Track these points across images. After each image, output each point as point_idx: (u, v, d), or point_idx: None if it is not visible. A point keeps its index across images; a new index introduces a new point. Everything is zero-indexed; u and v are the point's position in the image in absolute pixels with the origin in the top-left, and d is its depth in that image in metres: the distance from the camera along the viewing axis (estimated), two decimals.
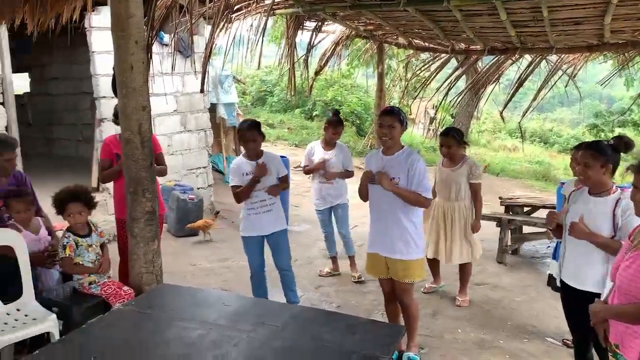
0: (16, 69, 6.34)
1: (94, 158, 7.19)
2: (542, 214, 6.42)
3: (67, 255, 3.48)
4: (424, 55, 7.78)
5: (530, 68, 6.76)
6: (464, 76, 7.92)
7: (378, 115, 3.76)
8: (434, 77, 7.75)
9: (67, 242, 3.49)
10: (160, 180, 4.27)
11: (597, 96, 30.03)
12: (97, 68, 6.56)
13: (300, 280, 4.55)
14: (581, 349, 3.26)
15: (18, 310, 3.32)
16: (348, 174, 5.31)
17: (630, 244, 2.41)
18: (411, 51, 7.63)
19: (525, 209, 6.58)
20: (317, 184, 5.36)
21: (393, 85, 10.79)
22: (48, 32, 4.33)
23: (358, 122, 17.32)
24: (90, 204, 3.63)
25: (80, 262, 3.52)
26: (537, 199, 6.91)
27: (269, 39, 11.82)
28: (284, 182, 4.29)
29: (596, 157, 2.93)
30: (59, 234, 3.88)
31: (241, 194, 4.13)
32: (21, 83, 10.69)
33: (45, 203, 3.86)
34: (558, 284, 3.33)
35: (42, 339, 3.21)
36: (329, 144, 5.31)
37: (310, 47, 6.22)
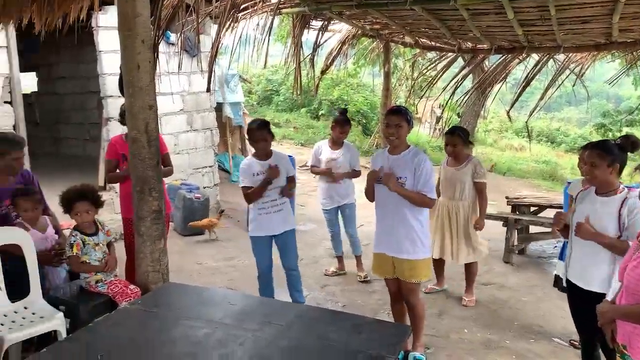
0: (24, 68, 6.37)
1: (101, 157, 7.21)
2: (549, 213, 6.39)
3: (74, 254, 3.49)
4: (431, 55, 7.77)
5: (538, 67, 6.73)
6: (470, 75, 7.89)
7: (385, 115, 3.75)
8: (441, 76, 7.73)
9: (74, 241, 3.50)
10: (166, 179, 4.28)
11: (605, 95, 29.86)
12: (104, 67, 6.59)
13: (306, 280, 4.55)
14: (588, 350, 3.25)
15: (25, 308, 3.33)
16: (355, 173, 5.30)
17: (638, 244, 2.40)
18: (418, 50, 7.62)
19: (532, 208, 6.56)
20: (324, 183, 5.35)
21: (399, 85, 10.78)
22: (55, 32, 4.35)
23: (364, 121, 17.31)
24: (97, 203, 3.64)
25: (87, 261, 3.53)
26: (544, 199, 6.88)
27: (275, 38, 11.81)
28: (291, 182, 4.29)
29: (603, 156, 2.91)
30: (66, 232, 3.89)
31: (252, 195, 4.13)
32: (29, 82, 10.75)
33: (53, 202, 3.87)
34: (564, 284, 3.31)
35: (49, 337, 3.23)
36: (336, 143, 5.30)
37: (316, 46, 6.22)
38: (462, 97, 7.71)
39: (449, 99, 7.61)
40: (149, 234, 3.33)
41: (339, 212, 5.43)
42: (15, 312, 3.29)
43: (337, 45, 6.85)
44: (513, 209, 6.55)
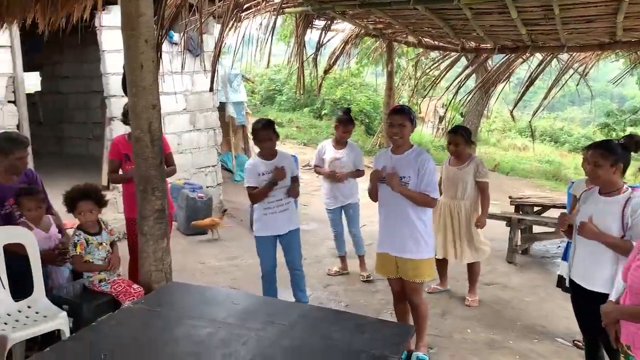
0: (27, 67, 6.39)
1: (104, 156, 7.22)
2: (553, 213, 6.39)
3: (78, 253, 3.50)
4: (434, 54, 7.74)
5: (541, 67, 6.70)
6: (473, 75, 7.87)
7: (388, 114, 3.75)
8: (444, 75, 7.71)
9: (77, 240, 3.51)
10: (169, 178, 4.28)
11: (609, 95, 29.80)
12: (108, 67, 6.60)
13: (308, 279, 4.55)
14: (592, 350, 3.24)
15: (29, 307, 3.35)
16: (359, 173, 5.30)
17: None
18: (421, 50, 7.59)
19: (536, 208, 6.55)
20: (328, 182, 5.35)
21: (402, 84, 10.75)
22: (59, 31, 4.36)
23: (367, 121, 17.30)
24: (101, 202, 3.65)
25: (91, 260, 3.54)
26: (548, 199, 6.87)
27: (278, 37, 11.81)
28: (295, 181, 4.29)
29: (606, 156, 2.91)
30: (70, 231, 3.90)
31: (258, 195, 4.12)
32: (32, 82, 10.78)
33: (56, 201, 3.88)
34: (567, 284, 3.31)
35: (52, 336, 3.23)
36: (339, 143, 5.30)
37: (319, 45, 6.21)
38: (465, 97, 7.70)
39: (452, 98, 7.59)
40: (152, 233, 3.33)
41: (343, 212, 5.43)
42: (19, 311, 3.30)
43: (340, 45, 6.84)
44: (516, 208, 6.54)
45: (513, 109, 7.70)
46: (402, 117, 3.51)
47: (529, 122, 9.46)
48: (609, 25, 4.86)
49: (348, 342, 2.38)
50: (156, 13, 3.51)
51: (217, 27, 6.25)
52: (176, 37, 6.82)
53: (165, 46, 5.63)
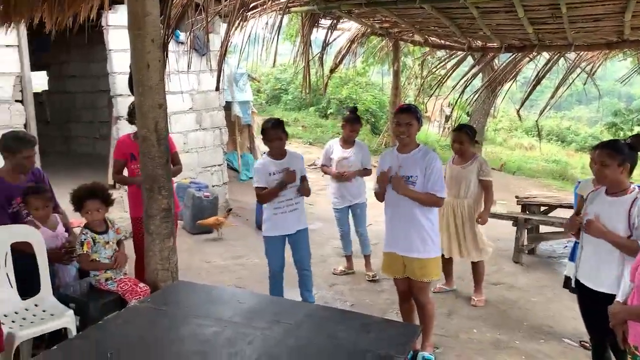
0: (35, 67, 6.41)
1: (111, 155, 7.25)
2: (560, 213, 6.36)
3: (85, 252, 3.51)
4: (440, 53, 7.73)
5: (548, 66, 6.68)
6: (480, 74, 7.85)
7: (394, 113, 3.74)
8: (450, 74, 7.69)
9: (84, 239, 3.52)
10: (175, 177, 4.29)
11: (616, 94, 29.63)
12: (114, 66, 6.62)
13: (314, 279, 4.55)
14: (599, 351, 3.22)
15: (36, 305, 3.37)
16: (367, 172, 5.29)
17: None
18: (427, 49, 7.58)
19: (542, 208, 6.51)
20: (336, 182, 5.34)
21: (408, 83, 10.74)
22: (66, 31, 4.37)
23: (373, 120, 17.27)
24: (108, 201, 3.66)
25: (97, 259, 3.55)
26: (554, 198, 6.83)
27: (284, 36, 11.82)
28: (304, 180, 4.28)
29: (613, 156, 2.89)
30: (76, 230, 3.92)
31: (267, 196, 4.11)
32: (39, 81, 10.83)
33: (63, 200, 3.90)
34: (573, 284, 3.29)
35: (59, 335, 3.25)
36: (347, 142, 5.29)
37: (325, 44, 6.21)
38: (471, 96, 7.67)
39: (459, 97, 7.57)
40: (158, 232, 3.34)
41: (350, 212, 5.43)
42: (26, 310, 3.32)
43: (346, 44, 6.84)
44: (523, 208, 6.52)
45: (520, 108, 7.66)
46: (408, 115, 3.50)
47: (536, 121, 9.44)
48: (616, 24, 4.84)
49: (354, 341, 2.38)
50: (162, 12, 3.52)
51: (223, 27, 6.26)
52: (182, 36, 6.83)
53: (171, 45, 5.64)
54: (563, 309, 4.67)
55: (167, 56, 3.86)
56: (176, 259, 3.46)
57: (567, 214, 5.64)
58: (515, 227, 6.09)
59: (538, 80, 6.79)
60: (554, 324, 4.44)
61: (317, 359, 2.31)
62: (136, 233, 4.33)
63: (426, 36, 6.68)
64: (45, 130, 9.44)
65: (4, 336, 2.84)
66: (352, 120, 5.25)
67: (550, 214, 6.44)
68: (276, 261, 4.27)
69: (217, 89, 6.07)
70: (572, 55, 6.62)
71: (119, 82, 6.57)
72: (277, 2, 4.84)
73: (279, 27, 4.92)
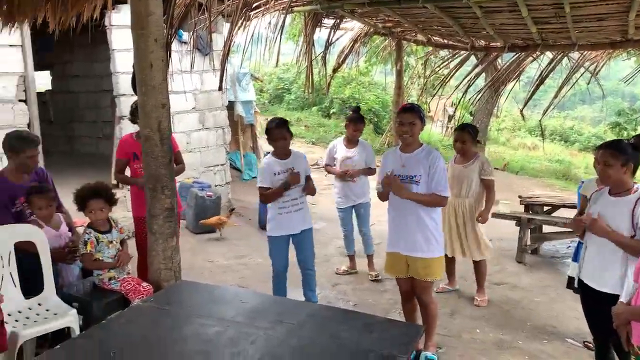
0: (38, 66, 6.43)
1: (114, 155, 7.26)
2: (563, 213, 6.35)
3: (88, 252, 3.52)
4: (443, 53, 7.71)
5: (552, 65, 6.66)
6: (483, 73, 7.83)
7: (397, 113, 3.73)
8: (453, 74, 7.68)
9: (88, 239, 3.53)
10: (178, 177, 4.29)
11: (620, 94, 29.55)
12: (117, 66, 6.63)
13: (317, 278, 4.55)
14: (602, 351, 3.21)
15: (39, 304, 3.37)
16: (371, 171, 5.29)
17: None
18: (430, 48, 7.57)
19: (545, 208, 6.50)
20: (340, 182, 5.35)
21: (411, 83, 10.72)
22: (69, 31, 4.38)
23: (376, 119, 17.28)
24: (111, 201, 3.66)
25: (101, 258, 3.55)
26: (557, 198, 6.82)
27: (287, 36, 11.82)
28: (308, 180, 4.28)
29: (616, 156, 2.88)
30: (80, 230, 3.92)
31: (270, 196, 4.12)
32: (43, 81, 10.85)
33: (67, 200, 3.90)
34: (576, 284, 3.28)
35: (62, 334, 3.26)
36: (351, 142, 5.29)
37: (328, 44, 6.20)
38: (474, 96, 7.66)
39: (462, 97, 7.56)
40: (161, 231, 3.34)
41: (354, 211, 5.43)
42: (30, 309, 3.33)
43: (349, 44, 6.83)
44: (526, 208, 6.51)
45: (523, 108, 7.66)
46: (412, 115, 3.50)
47: (539, 121, 9.40)
48: (620, 23, 4.82)
49: (357, 341, 2.38)
50: (165, 12, 3.53)
51: (226, 26, 6.26)
52: (185, 36, 6.84)
53: (174, 45, 5.65)
54: (566, 309, 4.66)
55: (170, 56, 3.88)
56: (179, 259, 3.47)
57: (571, 214, 5.63)
58: (519, 227, 6.08)
59: (541, 80, 6.78)
60: (557, 324, 4.43)
61: (320, 359, 2.30)
62: (138, 232, 4.34)
63: (429, 36, 6.67)
64: (49, 129, 9.45)
65: (7, 335, 2.84)
66: (356, 119, 5.25)
67: (554, 214, 6.43)
68: (280, 261, 4.26)
69: (220, 88, 6.08)
70: (575, 54, 6.60)
71: (122, 82, 6.58)
72: (280, 1, 4.84)
73: (282, 26, 4.92)
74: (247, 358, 2.23)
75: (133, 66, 3.35)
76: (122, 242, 3.73)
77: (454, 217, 4.73)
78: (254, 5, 4.86)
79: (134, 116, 4.27)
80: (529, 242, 6.15)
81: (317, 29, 5.76)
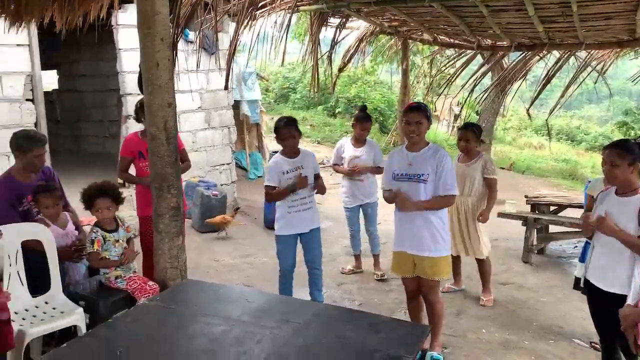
0: (45, 66, 6.45)
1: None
2: (569, 213, 6.32)
3: (95, 250, 3.53)
4: (449, 52, 7.69)
5: (558, 64, 6.62)
6: (489, 73, 7.80)
7: (404, 112, 3.72)
8: (459, 73, 7.65)
9: (95, 237, 3.54)
10: (184, 176, 4.30)
11: (627, 93, 29.39)
12: (124, 65, 6.65)
13: (322, 277, 4.55)
14: (609, 352, 3.19)
15: (46, 303, 3.39)
16: (379, 170, 5.28)
17: None
18: (436, 47, 7.56)
19: (552, 207, 6.47)
20: (347, 181, 5.34)
21: (417, 82, 10.71)
22: (76, 30, 4.40)
23: (381, 119, 17.25)
24: (118, 200, 3.68)
25: (107, 257, 3.57)
26: (564, 198, 6.78)
27: (293, 35, 11.83)
28: (317, 178, 4.27)
29: (623, 155, 2.87)
30: (86, 228, 3.94)
31: (276, 196, 4.12)
32: (50, 80, 10.89)
33: (74, 198, 3.92)
34: (582, 284, 3.26)
35: (69, 332, 3.27)
36: (358, 141, 5.29)
37: (334, 43, 6.20)
38: (481, 95, 7.64)
39: (468, 96, 7.54)
40: (167, 230, 3.35)
41: (361, 211, 5.42)
42: (37, 307, 3.35)
43: (355, 43, 6.83)
44: (532, 208, 6.48)
45: (529, 107, 7.62)
46: (418, 114, 3.49)
47: (546, 120, 9.35)
48: (628, 22, 4.79)
49: (362, 341, 2.38)
50: (172, 11, 3.54)
51: (232, 26, 6.26)
52: (191, 35, 6.85)
53: (180, 44, 5.66)
54: (573, 309, 4.64)
55: (176, 55, 3.88)
56: (185, 258, 3.48)
57: (577, 214, 5.60)
58: (525, 227, 6.06)
59: (548, 79, 6.74)
60: (564, 324, 4.41)
61: (326, 358, 2.30)
62: (144, 232, 4.35)
63: (435, 35, 6.66)
64: (56, 129, 9.50)
65: (14, 333, 2.86)
66: (363, 118, 5.25)
67: (560, 214, 6.40)
68: (288, 260, 4.25)
69: (226, 87, 6.08)
70: (582, 53, 6.57)
71: (129, 81, 6.60)
72: (285, 0, 4.84)
73: (288, 25, 4.93)
74: (252, 357, 2.23)
75: (139, 65, 3.35)
76: (129, 241, 3.75)
77: (456, 216, 4.72)
78: (259, 5, 4.86)
79: (138, 115, 4.29)
80: (535, 242, 6.12)
81: (323, 28, 5.76)
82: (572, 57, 6.62)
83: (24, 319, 3.21)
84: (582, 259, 4.02)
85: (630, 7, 4.25)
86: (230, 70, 5.34)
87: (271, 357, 2.25)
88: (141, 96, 3.52)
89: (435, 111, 13.41)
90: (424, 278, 3.60)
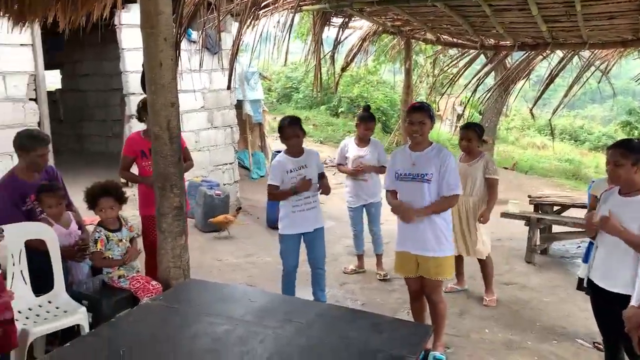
0: (48, 65, 6.46)
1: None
2: (573, 213, 6.31)
3: (98, 250, 3.54)
4: (452, 51, 7.68)
5: (562, 64, 6.61)
6: (492, 72, 7.79)
7: (407, 112, 3.72)
8: (462, 73, 7.65)
9: (98, 237, 3.54)
10: (187, 175, 4.30)
11: (631, 92, 29.25)
12: (127, 65, 6.66)
13: (325, 277, 4.55)
14: (612, 352, 3.18)
15: (49, 302, 3.40)
16: (382, 169, 5.28)
17: None
18: (439, 47, 7.55)
19: (555, 208, 6.46)
20: (352, 180, 5.34)
21: (420, 82, 10.70)
22: (79, 30, 4.41)
23: (384, 118, 17.24)
24: (121, 199, 3.68)
25: (110, 256, 3.57)
26: (567, 198, 6.77)
27: (295, 35, 11.81)
28: (322, 177, 4.27)
29: (626, 155, 2.85)
30: (89, 228, 3.94)
31: (278, 195, 4.12)
32: (53, 79, 10.92)
33: (77, 198, 3.93)
34: (585, 284, 3.26)
35: (72, 331, 3.28)
36: (362, 141, 5.29)
37: (336, 43, 6.20)
38: (484, 95, 7.62)
39: (471, 96, 7.53)
40: (170, 230, 3.35)
41: (364, 210, 5.42)
42: (40, 306, 3.35)
43: (358, 42, 6.82)
44: (535, 208, 6.46)
45: (533, 107, 7.60)
46: (422, 114, 3.49)
47: (549, 120, 9.34)
48: (631, 22, 4.78)
49: (365, 341, 2.37)
50: (175, 11, 3.54)
51: (235, 25, 6.27)
52: (194, 35, 6.86)
53: (183, 44, 5.67)
54: (576, 309, 4.63)
55: (179, 55, 3.89)
56: (188, 257, 3.48)
57: (580, 214, 5.59)
58: (528, 227, 6.04)
59: (551, 79, 6.73)
60: (567, 324, 4.40)
61: (329, 358, 2.30)
62: (146, 231, 4.35)
63: (438, 34, 6.65)
64: (59, 128, 9.51)
65: (17, 333, 2.86)
66: (367, 118, 5.24)
67: (563, 214, 6.39)
68: (291, 260, 4.25)
69: (229, 87, 6.09)
70: (586, 53, 6.55)
71: (132, 81, 6.61)
72: (288, 0, 4.84)
73: (291, 25, 4.92)
74: (255, 357, 2.23)
75: (142, 65, 3.36)
76: (132, 240, 3.75)
77: (457, 215, 4.71)
78: (262, 4, 4.86)
79: (140, 114, 4.29)
80: (538, 242, 6.11)
81: (326, 28, 5.76)
82: (576, 56, 6.60)
83: (27, 318, 3.22)
84: (586, 259, 4.01)
85: (634, 7, 4.23)
86: (233, 69, 5.34)
87: (274, 356, 2.25)
88: (144, 95, 3.53)
89: (438, 111, 13.39)
90: (427, 278, 3.60)
